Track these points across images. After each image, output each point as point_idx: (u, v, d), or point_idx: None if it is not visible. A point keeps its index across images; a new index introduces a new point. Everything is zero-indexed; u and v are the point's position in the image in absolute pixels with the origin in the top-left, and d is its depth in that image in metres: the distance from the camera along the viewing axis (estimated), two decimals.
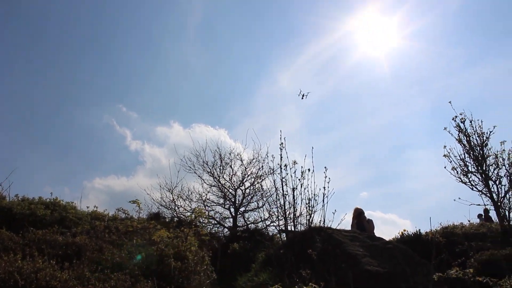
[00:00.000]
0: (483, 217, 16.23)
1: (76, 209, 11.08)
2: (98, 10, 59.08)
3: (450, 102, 13.32)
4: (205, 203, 19.53)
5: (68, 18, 56.10)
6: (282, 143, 10.13)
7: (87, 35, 58.47)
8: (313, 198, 9.84)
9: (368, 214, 11.96)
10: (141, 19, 61.95)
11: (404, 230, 12.34)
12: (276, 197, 10.28)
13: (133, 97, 59.22)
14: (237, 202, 19.45)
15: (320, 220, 9.96)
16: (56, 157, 48.00)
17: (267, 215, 17.23)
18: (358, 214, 11.84)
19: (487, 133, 12.96)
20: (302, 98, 22.01)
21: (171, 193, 18.91)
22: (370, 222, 11.81)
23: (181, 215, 18.31)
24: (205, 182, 20.10)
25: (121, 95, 58.20)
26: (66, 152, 50.00)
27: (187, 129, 50.38)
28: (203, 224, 13.34)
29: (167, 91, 61.67)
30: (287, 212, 9.92)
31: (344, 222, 15.57)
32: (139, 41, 61.66)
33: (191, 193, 19.59)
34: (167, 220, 16.75)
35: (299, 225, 9.89)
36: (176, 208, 18.80)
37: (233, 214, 19.30)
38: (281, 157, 10.04)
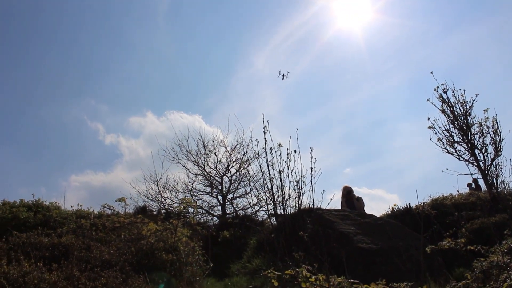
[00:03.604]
0: (473, 186, 16.36)
1: (60, 209, 10.82)
2: (61, 2, 57.31)
3: (431, 72, 13.37)
4: (192, 193, 19.39)
5: (30, 12, 54.41)
6: (265, 126, 10.00)
7: (50, 29, 56.78)
8: (300, 180, 9.77)
9: (354, 190, 11.92)
10: (105, 8, 60.37)
11: (395, 205, 12.41)
12: (263, 182, 10.19)
13: (101, 89, 57.30)
14: (224, 189, 19.32)
15: (309, 202, 9.92)
16: (28, 157, 46.74)
17: (255, 200, 17.08)
18: (347, 193, 11.79)
19: (470, 102, 13.05)
20: (283, 79, 21.81)
21: (157, 185, 18.71)
22: (359, 199, 11.77)
23: (169, 207, 18.15)
24: (190, 172, 19.90)
25: (88, 88, 56.30)
26: (38, 151, 48.76)
27: (161, 117, 49.57)
28: (192, 214, 13.21)
29: (136, 80, 59.88)
30: (276, 196, 9.84)
31: (333, 201, 15.59)
32: (103, 31, 59.80)
33: (177, 184, 19.43)
34: (154, 212, 16.55)
35: (289, 208, 9.83)
36: (163, 200, 18.64)
37: (221, 202, 19.17)
38: (266, 141, 9.91)
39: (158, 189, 18.71)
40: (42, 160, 47.80)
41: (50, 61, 53.54)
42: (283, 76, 23.09)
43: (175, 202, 18.46)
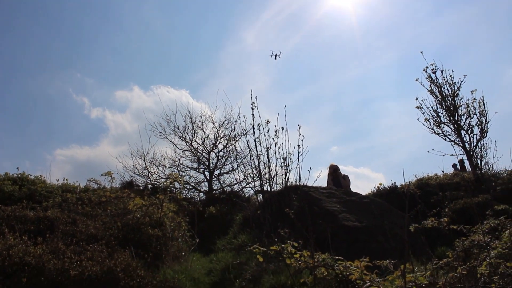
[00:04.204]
0: (458, 167, 16.56)
1: (45, 183, 10.75)
2: None
3: (421, 52, 13.38)
4: (179, 169, 19.32)
5: None
6: (253, 103, 9.94)
7: (37, 0, 55.22)
8: (288, 157, 9.78)
9: (340, 169, 11.99)
10: None
11: (380, 184, 12.51)
12: (251, 158, 10.17)
13: (88, 62, 55.60)
14: (211, 165, 19.26)
15: (296, 179, 9.96)
16: (12, 130, 45.96)
17: (242, 176, 17.07)
18: (334, 171, 11.85)
19: (458, 83, 13.11)
20: (275, 59, 21.57)
21: (144, 160, 18.60)
22: (346, 177, 11.85)
23: (155, 182, 18.07)
24: (177, 147, 19.75)
25: (74, 61, 54.71)
26: (23, 124, 47.94)
27: (148, 92, 48.82)
28: (179, 190, 13.18)
29: (123, 54, 58.41)
30: (263, 173, 9.85)
31: (319, 179, 15.69)
32: (90, 3, 58.04)
33: (164, 159, 19.33)
34: (141, 187, 16.47)
35: (275, 185, 9.84)
36: (150, 175, 18.56)
37: (208, 178, 19.12)
38: (253, 117, 9.87)
39: (145, 164, 18.59)
40: (26, 133, 47.14)
41: (36, 33, 52.26)
42: (275, 56, 22.77)
43: (162, 178, 18.41)
